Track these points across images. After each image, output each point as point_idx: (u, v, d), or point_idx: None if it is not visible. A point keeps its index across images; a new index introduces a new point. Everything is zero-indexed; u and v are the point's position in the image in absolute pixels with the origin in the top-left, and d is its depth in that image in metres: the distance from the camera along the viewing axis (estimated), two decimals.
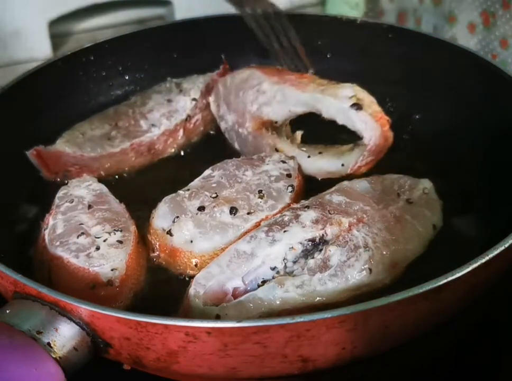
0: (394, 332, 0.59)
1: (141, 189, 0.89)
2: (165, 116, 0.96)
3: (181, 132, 0.96)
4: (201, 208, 0.76)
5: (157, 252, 0.76)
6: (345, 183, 0.79)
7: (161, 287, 0.74)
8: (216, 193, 0.78)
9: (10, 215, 0.84)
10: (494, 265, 0.60)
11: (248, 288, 0.67)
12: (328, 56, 1.08)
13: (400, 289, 0.56)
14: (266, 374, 0.59)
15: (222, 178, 0.81)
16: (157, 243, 0.76)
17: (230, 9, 1.07)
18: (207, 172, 0.83)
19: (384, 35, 1.03)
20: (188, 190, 0.80)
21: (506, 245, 0.60)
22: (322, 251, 0.69)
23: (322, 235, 0.70)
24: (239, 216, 0.76)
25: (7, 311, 0.58)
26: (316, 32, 1.07)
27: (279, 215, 0.74)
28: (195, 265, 0.74)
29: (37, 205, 0.86)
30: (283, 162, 0.85)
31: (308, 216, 0.72)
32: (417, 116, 0.95)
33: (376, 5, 1.38)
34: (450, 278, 0.56)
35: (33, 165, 0.89)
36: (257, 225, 0.75)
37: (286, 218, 0.72)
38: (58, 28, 1.33)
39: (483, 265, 0.58)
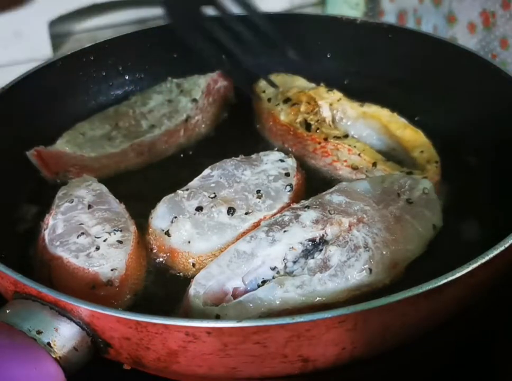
0: (394, 332, 0.59)
1: (141, 189, 0.89)
2: (166, 116, 0.96)
3: (181, 132, 0.96)
4: (199, 209, 0.76)
5: (156, 252, 0.76)
6: (345, 183, 0.79)
7: (161, 287, 0.74)
8: (214, 193, 0.78)
9: (10, 215, 0.84)
10: (494, 265, 0.60)
11: (248, 288, 0.67)
12: (328, 56, 1.08)
13: (400, 289, 0.56)
14: (266, 374, 0.59)
15: (221, 178, 0.81)
16: (156, 243, 0.76)
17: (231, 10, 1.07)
18: (206, 171, 0.83)
19: (384, 35, 1.03)
20: (187, 190, 0.80)
21: (506, 245, 0.60)
22: (322, 251, 0.69)
23: (323, 235, 0.70)
24: (237, 216, 0.76)
25: (7, 311, 0.58)
26: (316, 32, 1.08)
27: (279, 215, 0.74)
28: (193, 265, 0.74)
29: (38, 205, 0.85)
30: (282, 160, 0.85)
31: (308, 216, 0.72)
32: (417, 117, 0.95)
33: (376, 5, 1.38)
34: (450, 278, 0.56)
35: (33, 165, 0.89)
36: (255, 225, 0.75)
37: (286, 218, 0.72)
38: (58, 28, 1.33)
39: (483, 265, 0.58)
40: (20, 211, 0.85)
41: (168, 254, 0.75)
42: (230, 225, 0.75)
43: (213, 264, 0.69)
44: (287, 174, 0.82)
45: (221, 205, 0.76)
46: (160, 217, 0.77)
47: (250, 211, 0.76)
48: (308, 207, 0.73)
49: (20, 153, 0.88)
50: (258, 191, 0.79)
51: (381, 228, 0.71)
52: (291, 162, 0.85)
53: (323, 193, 0.77)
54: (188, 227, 0.74)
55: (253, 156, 0.87)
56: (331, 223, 0.71)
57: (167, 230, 0.75)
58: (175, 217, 0.76)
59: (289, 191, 0.80)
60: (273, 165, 0.84)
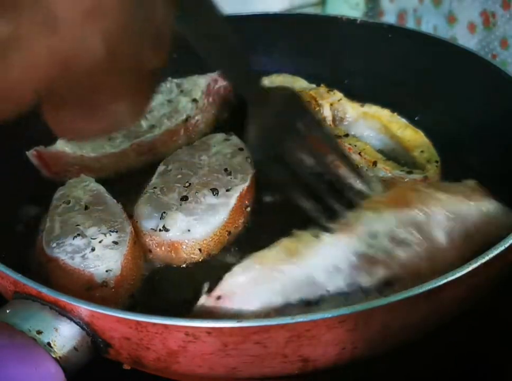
0: (395, 332, 0.59)
1: (141, 189, 0.89)
2: (166, 116, 0.96)
3: (181, 132, 0.96)
4: (184, 198, 0.78)
5: (155, 252, 0.76)
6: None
7: (160, 286, 0.74)
8: (187, 182, 0.80)
9: (10, 215, 0.84)
10: (495, 265, 0.60)
11: None
12: (328, 56, 1.08)
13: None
14: (267, 374, 0.59)
15: (181, 169, 0.83)
16: (154, 243, 0.76)
17: (231, 10, 1.07)
18: (161, 168, 0.85)
19: (384, 35, 1.03)
20: (155, 187, 0.81)
21: (507, 245, 0.60)
22: None
23: None
24: (222, 195, 0.78)
25: (7, 311, 0.58)
26: (316, 31, 1.08)
27: None
28: (200, 250, 0.75)
29: (38, 205, 0.85)
30: (227, 139, 0.89)
31: None
32: (417, 117, 0.95)
33: (376, 5, 1.38)
34: (450, 278, 0.56)
35: (34, 165, 0.89)
36: (241, 198, 0.79)
37: None
38: None
39: (483, 265, 0.58)
40: (20, 212, 0.85)
41: (169, 249, 0.75)
42: (220, 203, 0.77)
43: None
44: (241, 149, 0.86)
45: (202, 189, 0.78)
46: (147, 217, 0.77)
47: (229, 187, 0.79)
48: None
49: (20, 154, 0.88)
50: (226, 170, 0.82)
51: None
52: (235, 138, 0.89)
53: None
54: (182, 217, 0.76)
55: (196, 143, 0.90)
56: None
57: (164, 226, 0.75)
58: (164, 212, 0.76)
59: (251, 162, 0.84)
60: (222, 146, 0.87)
